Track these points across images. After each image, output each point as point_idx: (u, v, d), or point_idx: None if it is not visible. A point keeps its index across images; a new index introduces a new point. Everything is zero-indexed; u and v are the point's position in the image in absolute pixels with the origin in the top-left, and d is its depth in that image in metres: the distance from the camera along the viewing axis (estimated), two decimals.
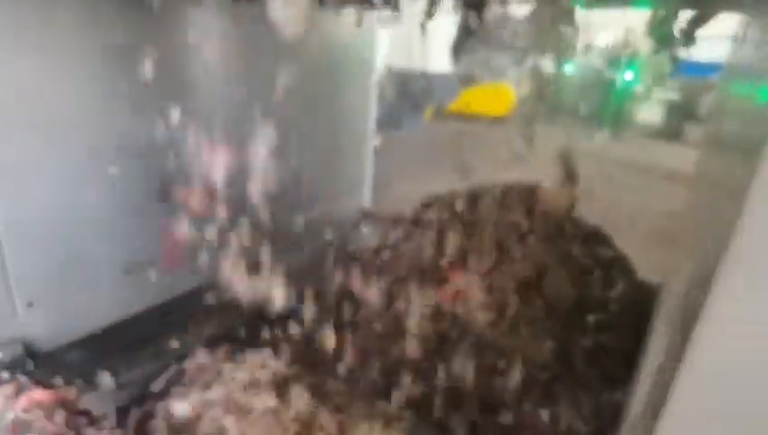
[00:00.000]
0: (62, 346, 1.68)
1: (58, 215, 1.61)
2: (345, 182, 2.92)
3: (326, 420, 1.35)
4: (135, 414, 1.38)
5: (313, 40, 2.28)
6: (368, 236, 2.89)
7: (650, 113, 11.25)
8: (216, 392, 1.40)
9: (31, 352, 1.60)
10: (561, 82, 11.77)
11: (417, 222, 2.40)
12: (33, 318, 1.61)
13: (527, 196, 2.30)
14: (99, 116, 1.64)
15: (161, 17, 1.69)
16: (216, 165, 1.79)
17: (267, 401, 1.36)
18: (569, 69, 11.70)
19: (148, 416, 1.38)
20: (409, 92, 11.79)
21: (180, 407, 1.39)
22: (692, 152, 2.46)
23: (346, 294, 2.11)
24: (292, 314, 1.79)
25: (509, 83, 11.27)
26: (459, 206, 2.36)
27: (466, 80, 11.13)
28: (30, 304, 1.60)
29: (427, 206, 2.47)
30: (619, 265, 2.14)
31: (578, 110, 11.79)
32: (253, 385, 1.39)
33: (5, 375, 1.45)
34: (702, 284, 0.55)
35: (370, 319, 2.01)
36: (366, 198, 3.12)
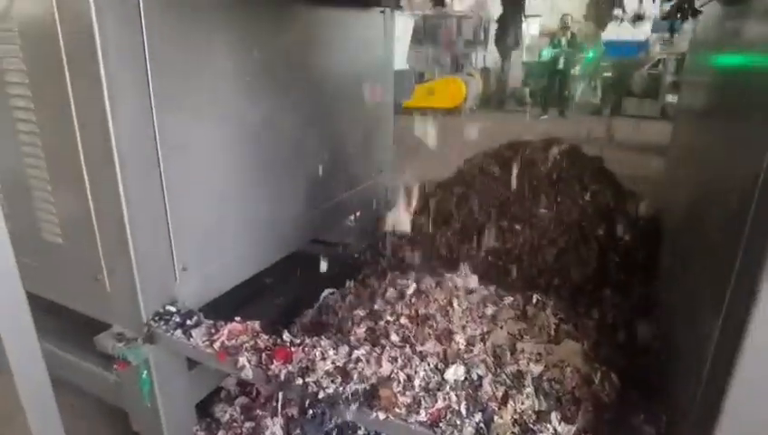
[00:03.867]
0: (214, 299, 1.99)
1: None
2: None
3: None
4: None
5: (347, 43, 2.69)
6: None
7: (591, 93, 12.17)
8: None
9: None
10: (507, 73, 12.56)
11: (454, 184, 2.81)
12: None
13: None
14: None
15: None
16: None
17: None
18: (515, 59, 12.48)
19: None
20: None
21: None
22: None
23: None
24: None
25: (459, 78, 11.96)
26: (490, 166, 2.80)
27: (420, 77, 11.67)
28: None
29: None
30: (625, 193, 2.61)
31: (524, 96, 12.64)
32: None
33: (192, 321, 1.74)
34: None
35: None
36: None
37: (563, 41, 10.93)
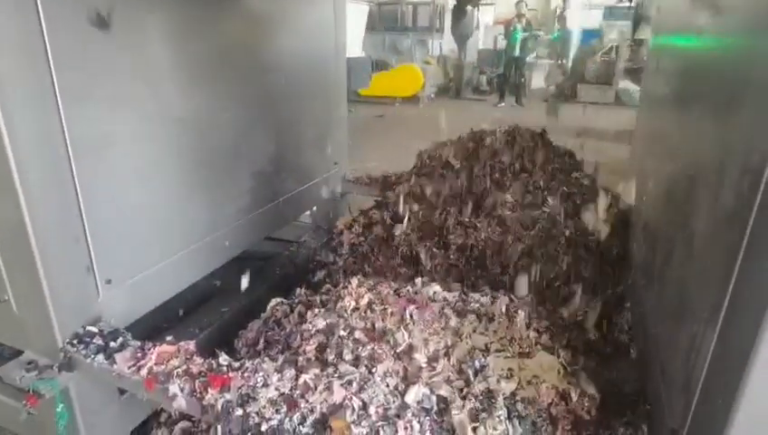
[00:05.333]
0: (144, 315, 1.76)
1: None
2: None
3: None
4: None
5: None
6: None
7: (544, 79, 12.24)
8: None
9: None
10: (464, 61, 12.48)
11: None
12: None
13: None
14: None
15: None
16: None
17: None
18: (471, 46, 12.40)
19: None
20: None
21: None
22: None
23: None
24: None
25: (416, 65, 11.78)
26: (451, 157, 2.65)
27: (378, 64, 11.43)
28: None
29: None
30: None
31: (481, 84, 12.60)
32: None
33: (116, 343, 1.52)
34: None
35: None
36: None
37: (519, 28, 10.90)
